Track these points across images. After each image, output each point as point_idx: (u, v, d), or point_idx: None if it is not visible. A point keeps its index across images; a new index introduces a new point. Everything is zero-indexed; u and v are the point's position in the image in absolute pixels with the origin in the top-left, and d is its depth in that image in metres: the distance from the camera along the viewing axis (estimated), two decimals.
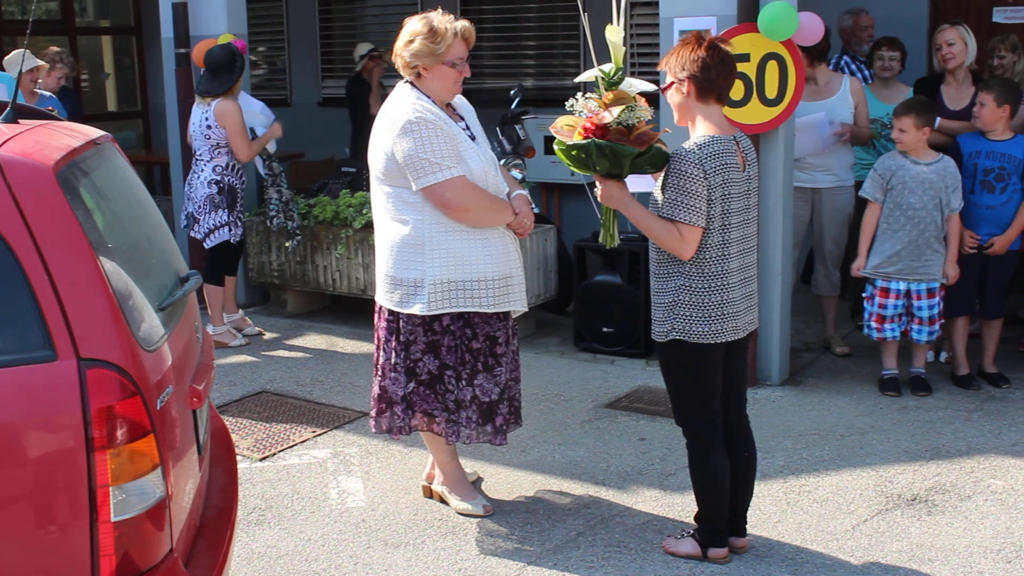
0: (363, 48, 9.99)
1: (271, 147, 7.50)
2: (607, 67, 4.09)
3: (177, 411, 2.93)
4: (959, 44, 6.56)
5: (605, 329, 6.93)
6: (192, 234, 7.32)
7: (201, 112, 7.14)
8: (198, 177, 7.21)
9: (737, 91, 5.75)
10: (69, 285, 2.57)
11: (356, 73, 9.98)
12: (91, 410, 2.55)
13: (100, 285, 2.61)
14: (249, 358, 7.10)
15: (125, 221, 3.30)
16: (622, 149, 3.96)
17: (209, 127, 7.08)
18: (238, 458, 5.15)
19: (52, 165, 2.71)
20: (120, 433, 2.59)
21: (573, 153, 4.05)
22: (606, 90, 4.06)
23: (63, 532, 2.58)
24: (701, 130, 4.03)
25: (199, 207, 7.16)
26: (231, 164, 7.19)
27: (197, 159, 7.26)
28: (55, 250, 2.58)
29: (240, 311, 7.72)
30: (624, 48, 4.09)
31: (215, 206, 7.13)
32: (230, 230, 7.21)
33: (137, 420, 2.62)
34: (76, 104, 9.06)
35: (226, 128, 7.05)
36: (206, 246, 7.27)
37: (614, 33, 4.07)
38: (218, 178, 7.14)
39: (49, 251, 2.58)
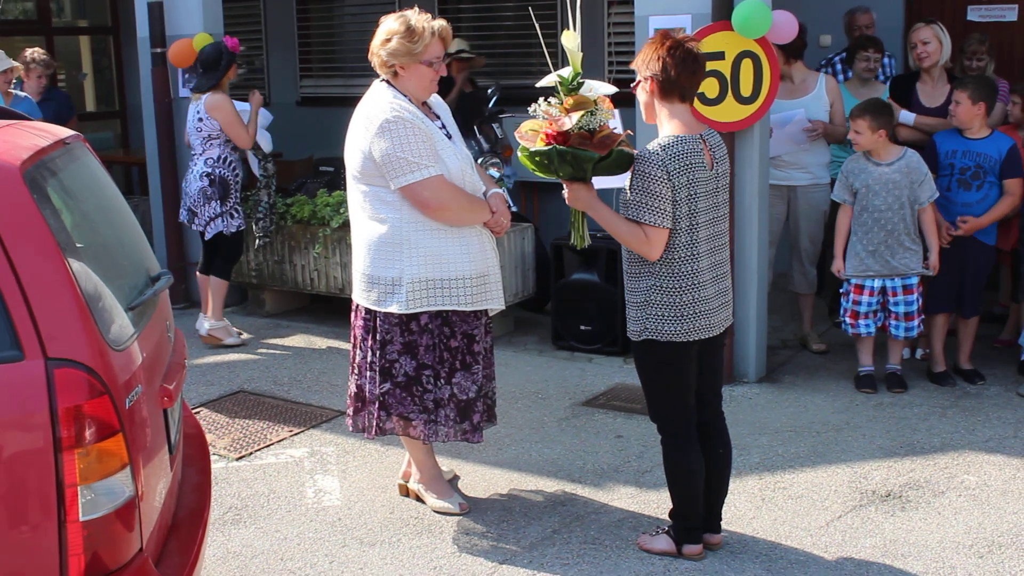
0: (454, 45, 9.76)
1: (267, 146, 7.48)
2: (565, 72, 4.08)
3: (147, 410, 2.92)
4: (934, 43, 6.59)
5: (583, 327, 6.94)
6: (193, 228, 7.36)
7: (194, 108, 7.23)
8: (192, 172, 7.28)
9: (712, 89, 5.77)
10: (36, 285, 2.57)
11: None
12: (59, 410, 2.55)
13: (68, 284, 2.61)
14: (227, 357, 7.08)
15: (95, 221, 3.29)
16: (584, 154, 3.96)
17: (200, 119, 7.15)
18: (214, 458, 5.17)
19: (19, 165, 2.71)
20: (88, 433, 2.58)
21: (536, 159, 4.06)
22: (566, 95, 4.05)
23: (31, 532, 2.58)
24: (667, 129, 4.03)
25: (194, 201, 7.22)
26: (222, 156, 7.22)
27: (192, 154, 7.34)
28: (22, 250, 2.58)
29: None
30: (580, 54, 4.09)
31: (207, 198, 7.17)
32: (223, 221, 7.23)
33: (105, 419, 2.61)
34: (65, 103, 8.95)
35: (219, 119, 7.10)
36: (205, 238, 7.30)
37: (570, 40, 4.05)
38: (209, 170, 7.18)
39: (16, 251, 2.57)
